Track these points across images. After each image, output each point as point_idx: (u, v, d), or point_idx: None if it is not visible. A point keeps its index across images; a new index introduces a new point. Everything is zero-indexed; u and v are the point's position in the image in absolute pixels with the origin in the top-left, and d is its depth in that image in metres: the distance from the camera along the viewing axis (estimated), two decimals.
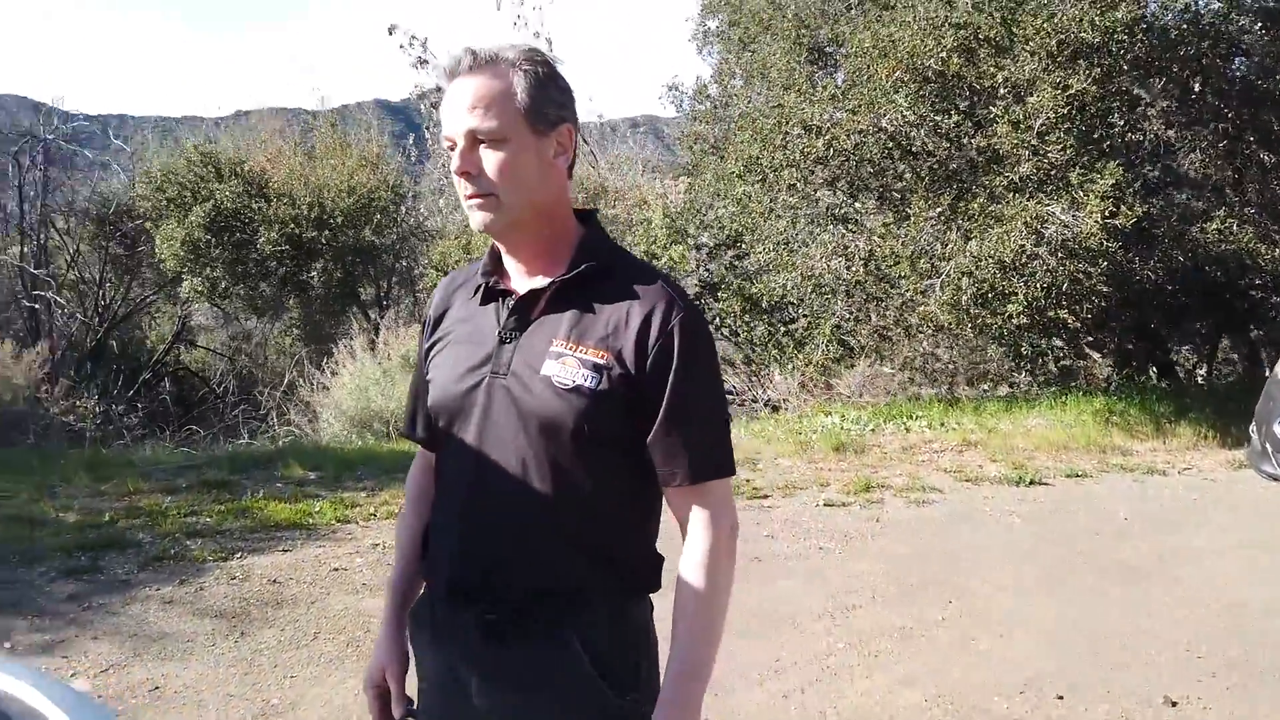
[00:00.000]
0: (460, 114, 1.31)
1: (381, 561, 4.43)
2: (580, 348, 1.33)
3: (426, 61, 14.67)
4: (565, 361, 1.33)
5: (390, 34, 14.18)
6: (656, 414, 1.34)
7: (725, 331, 10.78)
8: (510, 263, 1.43)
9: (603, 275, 1.38)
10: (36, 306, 12.45)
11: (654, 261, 10.40)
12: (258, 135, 13.31)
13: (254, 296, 11.86)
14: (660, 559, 1.44)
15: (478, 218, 1.35)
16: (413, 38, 14.17)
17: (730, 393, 10.44)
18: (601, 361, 1.32)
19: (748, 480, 5.99)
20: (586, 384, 1.32)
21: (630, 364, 1.33)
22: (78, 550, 4.37)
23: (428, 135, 15.48)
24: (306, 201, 11.41)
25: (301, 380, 9.55)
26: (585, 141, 14.61)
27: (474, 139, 1.31)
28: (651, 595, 1.43)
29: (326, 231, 11.44)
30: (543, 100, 1.33)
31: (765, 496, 5.67)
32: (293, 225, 11.27)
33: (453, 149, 1.33)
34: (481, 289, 1.44)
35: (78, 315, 13.12)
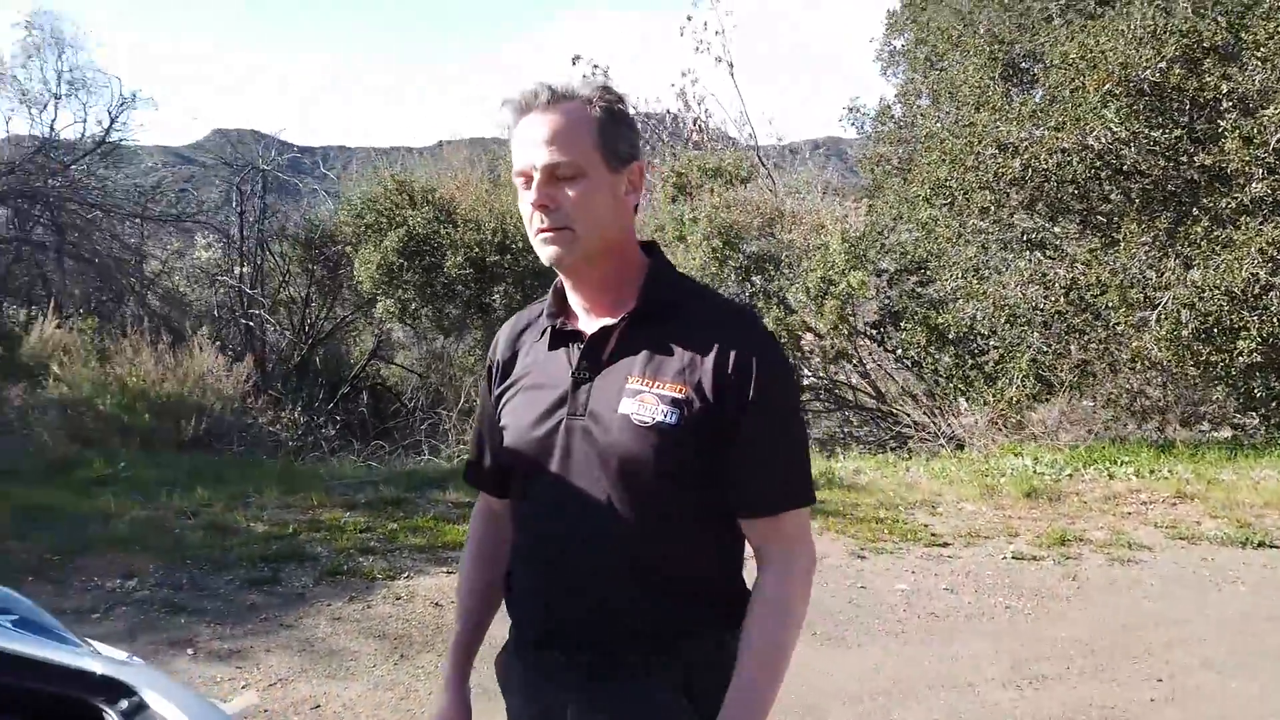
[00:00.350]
0: (538, 147, 1.32)
1: None
2: (657, 383, 1.33)
3: None
4: (643, 398, 1.33)
5: (574, 64, 14.60)
6: (735, 445, 1.33)
7: (907, 362, 10.26)
8: (576, 301, 1.43)
9: (673, 307, 1.39)
10: (250, 324, 13.52)
11: (831, 287, 10.05)
12: (449, 164, 13.96)
13: (440, 317, 12.39)
14: (749, 592, 1.40)
15: (550, 251, 1.34)
16: (595, 66, 14.52)
17: (911, 426, 9.90)
18: (680, 396, 1.32)
19: (925, 525, 5.58)
20: (667, 420, 1.31)
21: (709, 395, 1.32)
22: (261, 561, 4.58)
23: None
24: (490, 227, 11.81)
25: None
26: (762, 164, 14.41)
27: (551, 173, 1.31)
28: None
29: (508, 255, 11.79)
30: (617, 137, 1.35)
31: (945, 544, 5.25)
32: (477, 249, 11.69)
33: (526, 183, 1.34)
34: (548, 331, 1.44)
35: (286, 332, 14.13)
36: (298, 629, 3.89)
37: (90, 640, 2.24)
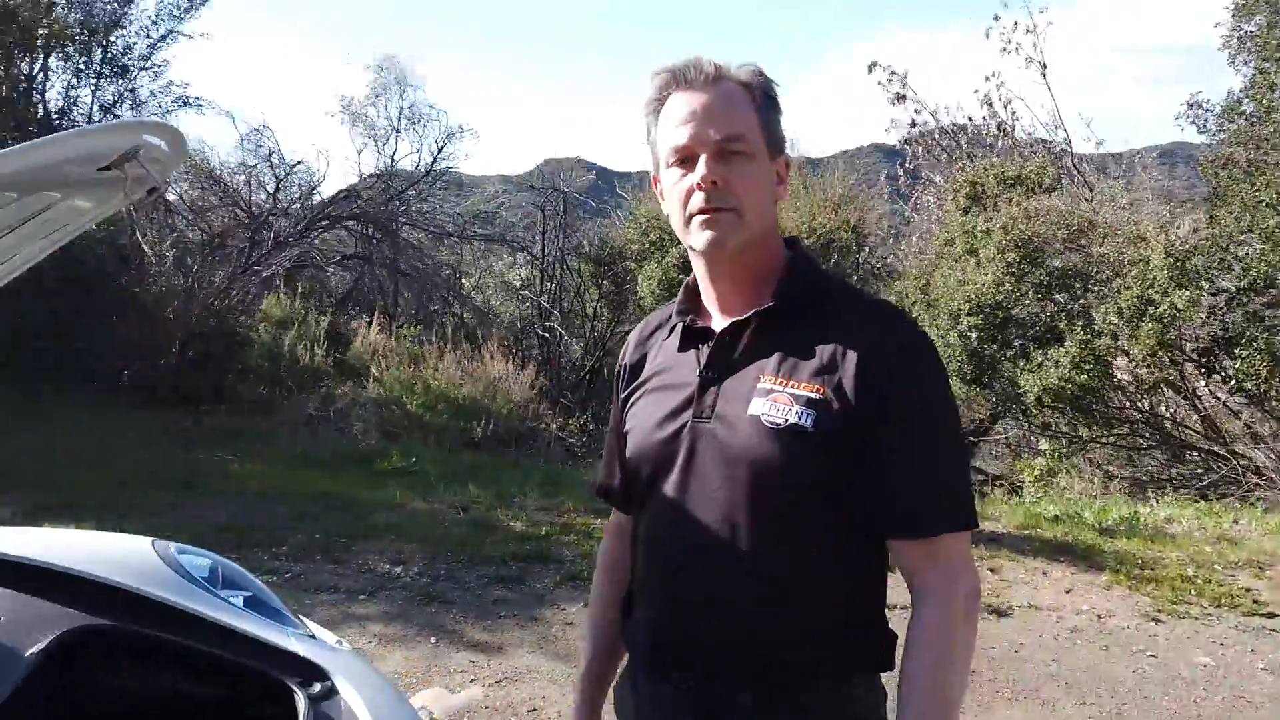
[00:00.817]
0: (707, 123, 1.23)
1: None
2: (793, 383, 1.21)
3: (904, 97, 14.40)
4: (776, 398, 1.20)
5: (869, 71, 14.17)
6: (882, 456, 1.19)
7: (1244, 396, 8.80)
8: (710, 297, 1.32)
9: (814, 304, 1.27)
10: (547, 335, 14.47)
11: (1150, 308, 8.85)
12: None
13: None
14: (893, 635, 1.26)
15: (708, 236, 1.23)
16: (892, 73, 13.99)
17: (1244, 471, 8.46)
18: (818, 396, 1.19)
19: (1247, 590, 4.68)
20: (803, 421, 1.18)
21: (851, 398, 1.18)
22: (511, 560, 4.78)
23: (901, 173, 15.12)
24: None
25: None
26: (1078, 171, 13.10)
27: (722, 150, 1.22)
28: (883, 675, 1.26)
29: None
30: (775, 123, 1.29)
31: (1271, 615, 4.36)
32: None
33: (686, 162, 1.24)
34: (679, 329, 1.34)
35: (576, 344, 14.97)
36: (530, 630, 3.99)
37: (308, 622, 2.39)
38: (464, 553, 4.88)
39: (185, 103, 11.23)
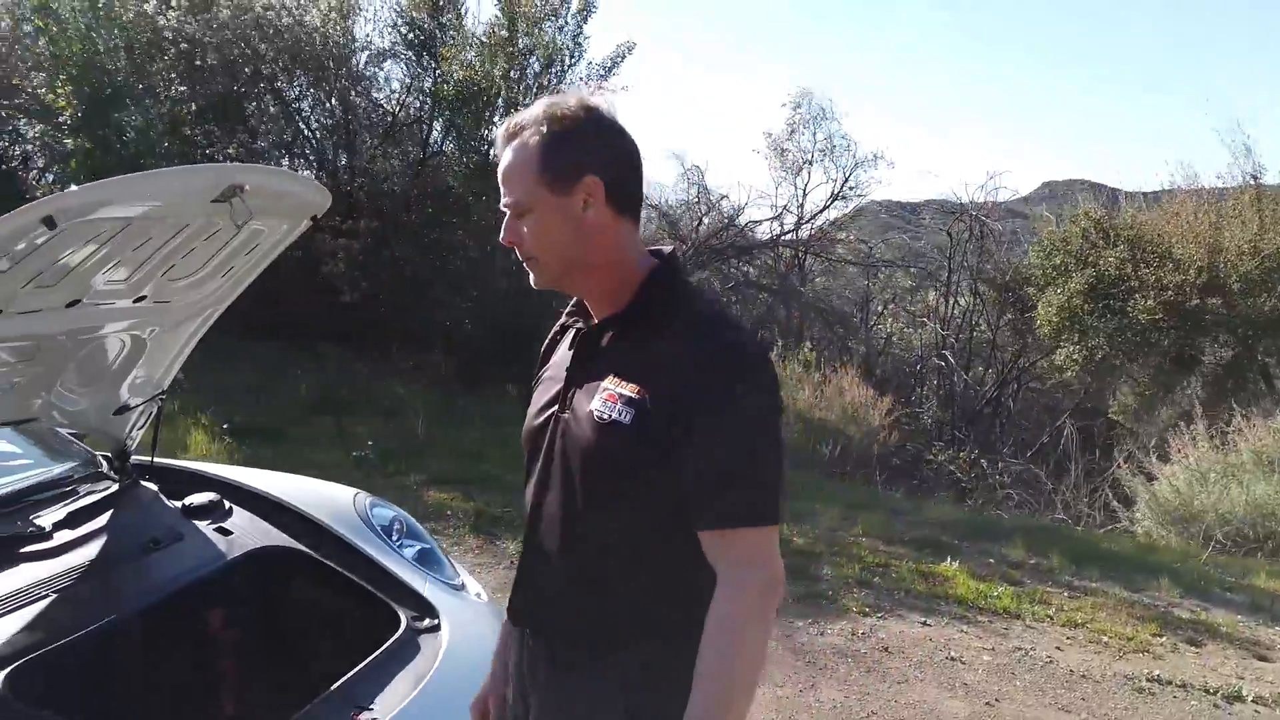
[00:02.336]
0: (504, 188, 1.41)
1: (1005, 669, 3.86)
2: (623, 383, 1.34)
3: None
4: (608, 396, 1.34)
5: None
6: (687, 452, 1.30)
7: None
8: (589, 306, 1.49)
9: (660, 314, 1.39)
10: (942, 364, 13.96)
11: None
12: (1166, 207, 12.37)
13: (1132, 369, 11.04)
14: (701, 613, 1.33)
15: (531, 278, 1.46)
16: None
17: None
18: (635, 396, 1.32)
19: None
20: (622, 418, 1.32)
21: (666, 399, 1.31)
22: None
23: None
24: (1196, 265, 10.15)
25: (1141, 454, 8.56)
26: None
27: (511, 211, 1.41)
28: None
29: (1218, 299, 9.99)
30: (559, 162, 1.36)
31: None
32: (1173, 291, 10.15)
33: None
34: (570, 332, 1.52)
35: (970, 374, 14.22)
36: None
37: (467, 578, 2.90)
38: None
39: None
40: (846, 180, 15.58)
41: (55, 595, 2.20)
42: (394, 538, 2.90)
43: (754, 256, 15.76)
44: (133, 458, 2.99)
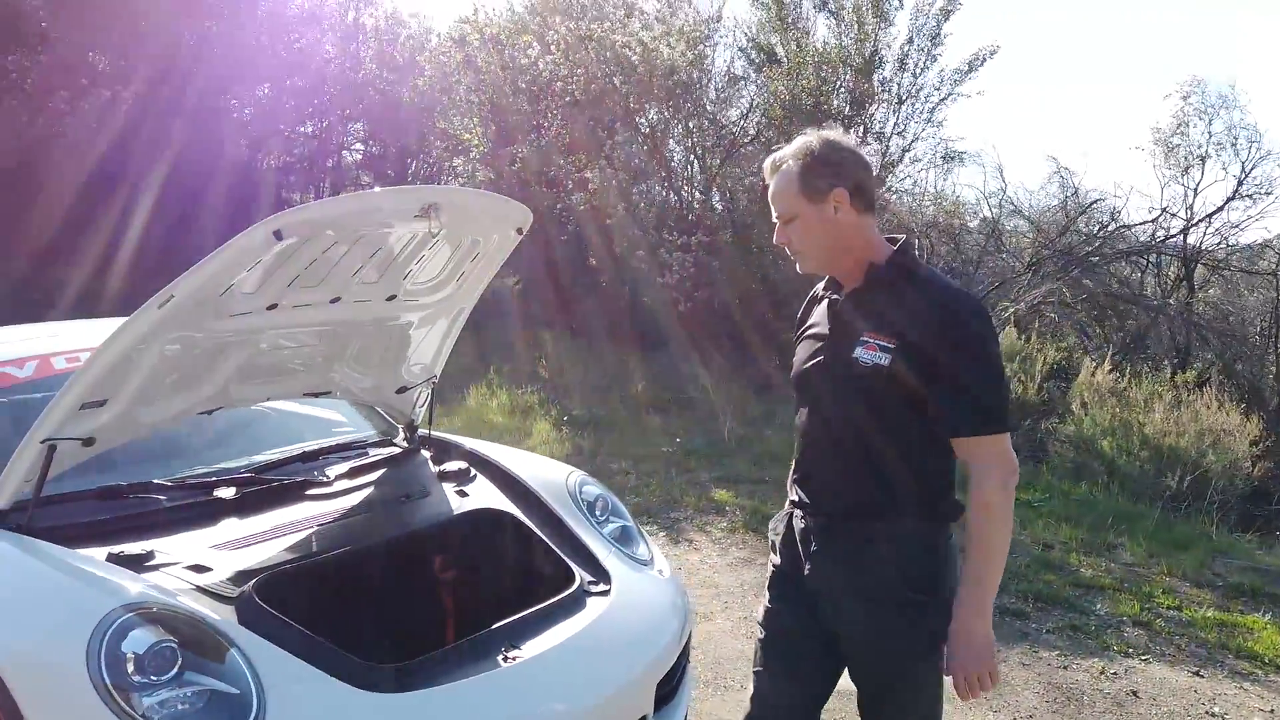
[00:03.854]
0: (774, 204, 2.03)
1: None
2: (877, 335, 1.92)
3: None
4: (868, 346, 1.92)
5: None
6: (937, 383, 1.85)
7: None
8: (841, 281, 2.07)
9: (897, 285, 1.95)
10: None
11: None
12: None
13: None
14: (957, 503, 1.97)
15: (797, 265, 2.08)
16: None
17: None
18: (890, 345, 1.89)
19: None
20: (882, 361, 1.89)
21: (914, 344, 1.87)
22: (1038, 597, 4.59)
23: None
24: None
25: None
26: None
27: (781, 219, 2.03)
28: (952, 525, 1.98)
29: None
30: (814, 180, 1.96)
31: None
32: None
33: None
34: (827, 299, 2.11)
35: None
36: (996, 656, 3.94)
37: (658, 556, 3.22)
38: (1020, 586, 4.84)
39: (951, 157, 12.31)
40: (1247, 175, 13.37)
41: (317, 528, 2.87)
42: (596, 513, 3.29)
43: (1133, 263, 14.11)
44: (419, 430, 3.70)
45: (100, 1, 13.24)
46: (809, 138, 1.99)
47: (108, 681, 2.02)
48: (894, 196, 12.10)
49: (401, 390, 3.56)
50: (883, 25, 11.09)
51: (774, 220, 2.02)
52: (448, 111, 13.48)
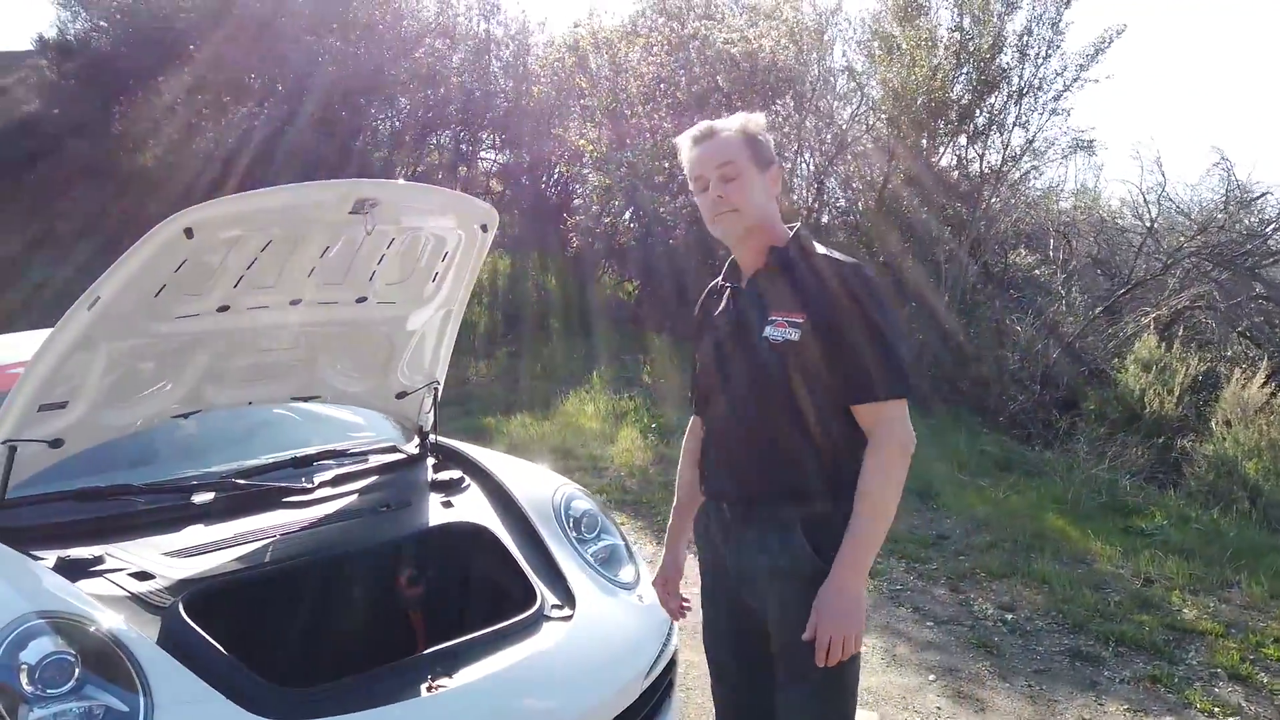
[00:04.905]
0: (712, 157, 2.01)
1: None
2: (785, 314, 1.94)
3: None
4: (778, 325, 1.94)
5: None
6: (841, 350, 1.89)
7: None
8: (741, 267, 2.10)
9: (796, 264, 1.99)
10: None
11: None
12: None
13: None
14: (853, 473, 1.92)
15: (719, 229, 2.05)
16: None
17: None
18: (799, 321, 1.92)
19: None
20: (793, 337, 1.92)
21: (820, 314, 1.90)
22: (1120, 640, 4.08)
23: None
24: None
25: None
26: None
27: (722, 174, 2.00)
28: None
29: None
30: (759, 147, 2.02)
31: None
32: None
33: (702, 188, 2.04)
34: (728, 289, 2.13)
35: None
36: (1051, 707, 3.50)
37: (643, 574, 2.98)
38: (1071, 616, 4.36)
39: (1080, 146, 11.34)
40: None
41: (279, 537, 2.78)
42: (581, 530, 3.09)
43: None
44: (430, 437, 3.59)
45: (242, 26, 14.09)
46: (746, 115, 2.04)
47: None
48: (1018, 191, 11.28)
49: (402, 395, 3.46)
50: (1008, 11, 10.35)
51: (696, 183, 2.03)
52: (564, 117, 13.58)
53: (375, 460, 3.43)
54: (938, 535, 5.49)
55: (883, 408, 1.89)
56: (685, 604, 2.33)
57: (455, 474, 3.34)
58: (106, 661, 2.10)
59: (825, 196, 12.22)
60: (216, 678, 2.15)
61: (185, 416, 3.01)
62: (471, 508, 3.14)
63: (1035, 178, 11.79)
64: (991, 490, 6.67)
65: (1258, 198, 12.72)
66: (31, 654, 2.06)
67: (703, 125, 2.04)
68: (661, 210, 11.08)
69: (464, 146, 18.93)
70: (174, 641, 2.24)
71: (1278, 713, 3.50)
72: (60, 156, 14.58)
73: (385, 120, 17.27)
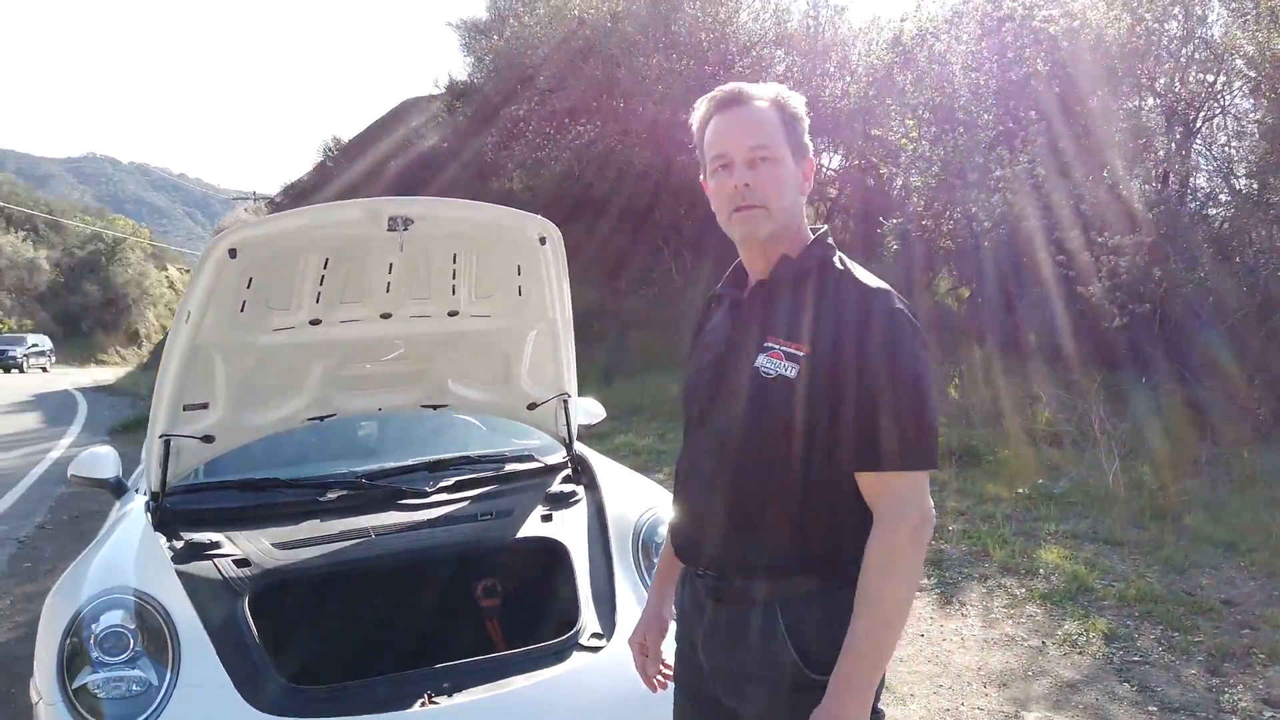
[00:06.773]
0: (742, 135, 1.54)
1: None
2: (785, 342, 1.49)
3: None
4: (773, 354, 1.50)
5: None
6: (849, 402, 1.43)
7: None
8: (752, 275, 1.63)
9: (808, 279, 1.54)
10: None
11: None
12: None
13: None
14: (856, 553, 1.46)
15: (742, 230, 1.57)
16: None
17: None
18: (800, 353, 1.47)
19: None
20: (788, 374, 1.47)
21: (827, 349, 1.45)
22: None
23: None
24: None
25: None
26: None
27: (752, 158, 1.53)
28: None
29: None
30: (796, 131, 1.56)
31: None
32: None
33: (722, 167, 1.56)
34: (728, 299, 1.68)
35: None
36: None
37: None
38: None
39: None
40: None
41: (375, 537, 2.95)
42: (651, 558, 2.93)
43: None
44: (575, 448, 3.63)
45: (582, 64, 15.41)
46: (782, 89, 1.57)
47: (71, 645, 2.32)
48: None
49: (533, 406, 3.53)
50: None
51: (715, 161, 1.55)
52: (881, 116, 13.01)
53: (507, 469, 3.52)
54: (1223, 600, 4.44)
55: (894, 479, 1.42)
56: (666, 668, 1.82)
57: (571, 488, 3.33)
58: (158, 640, 2.37)
59: (1190, 187, 10.43)
60: (237, 667, 2.33)
61: (320, 419, 3.31)
62: (567, 523, 3.11)
63: None
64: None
65: None
66: (105, 623, 2.39)
67: (730, 87, 1.57)
68: (974, 208, 10.16)
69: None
70: (226, 626, 2.47)
71: None
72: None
73: None
